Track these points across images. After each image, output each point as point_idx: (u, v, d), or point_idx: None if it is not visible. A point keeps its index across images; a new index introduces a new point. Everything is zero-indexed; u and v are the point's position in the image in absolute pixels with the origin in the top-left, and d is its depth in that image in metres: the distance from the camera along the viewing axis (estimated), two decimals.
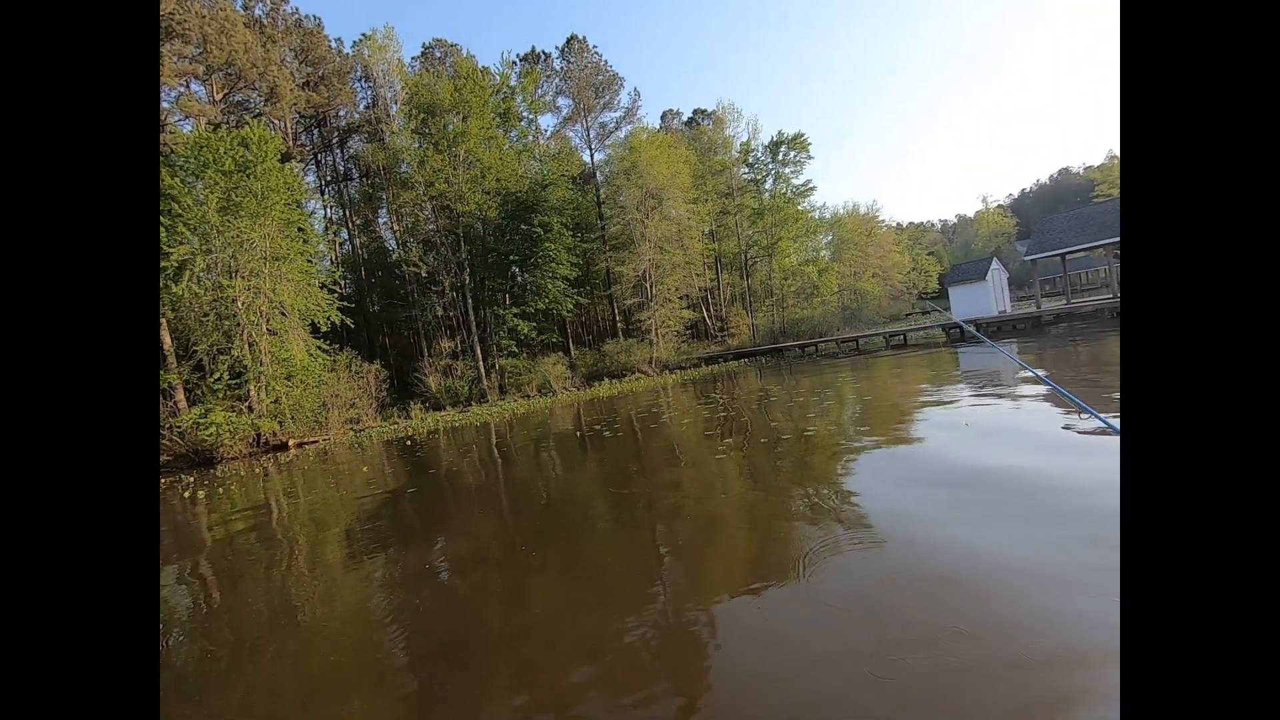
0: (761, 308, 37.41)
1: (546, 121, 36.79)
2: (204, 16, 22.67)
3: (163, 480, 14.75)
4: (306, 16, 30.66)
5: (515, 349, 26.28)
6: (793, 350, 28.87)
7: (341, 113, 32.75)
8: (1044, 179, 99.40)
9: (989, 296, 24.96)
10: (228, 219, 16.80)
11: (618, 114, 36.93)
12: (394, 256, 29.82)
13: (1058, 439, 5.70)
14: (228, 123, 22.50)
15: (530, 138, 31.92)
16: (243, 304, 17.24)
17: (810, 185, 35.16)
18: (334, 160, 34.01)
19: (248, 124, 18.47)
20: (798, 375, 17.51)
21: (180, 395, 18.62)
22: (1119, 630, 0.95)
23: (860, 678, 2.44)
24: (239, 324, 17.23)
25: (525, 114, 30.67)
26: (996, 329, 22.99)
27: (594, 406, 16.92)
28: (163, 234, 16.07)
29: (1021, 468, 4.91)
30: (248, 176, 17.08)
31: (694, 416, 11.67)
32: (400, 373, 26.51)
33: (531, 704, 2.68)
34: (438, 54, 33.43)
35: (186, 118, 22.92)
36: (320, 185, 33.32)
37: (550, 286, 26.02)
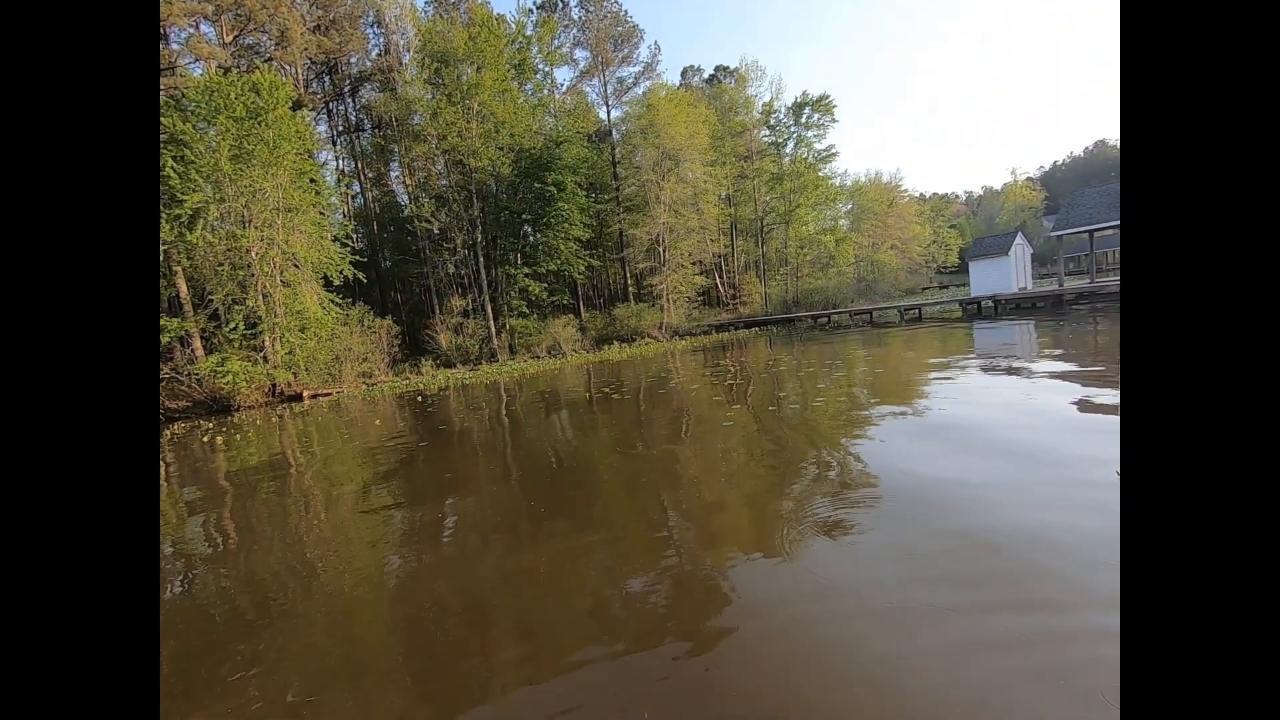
0: (775, 276, 36.90)
1: (563, 75, 35.67)
2: None
3: (182, 426, 15.18)
4: None
5: (526, 309, 26.27)
6: (805, 321, 28.59)
7: (353, 59, 31.90)
8: (1077, 151, 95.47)
9: (1010, 272, 24.37)
10: (240, 167, 16.65)
11: (636, 69, 35.65)
12: (406, 211, 29.57)
13: (1061, 416, 5.65)
14: (238, 67, 22.01)
15: (546, 91, 30.99)
16: (256, 254, 17.28)
17: (832, 150, 34.03)
18: (346, 110, 33.33)
19: (258, 68, 18.05)
20: (808, 346, 17.39)
21: (197, 343, 18.94)
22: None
23: (860, 610, 2.51)
24: (253, 274, 17.32)
25: (541, 66, 29.68)
26: (1015, 306, 22.54)
27: (603, 370, 17.00)
28: (175, 180, 16.00)
29: (1024, 439, 4.90)
30: (259, 124, 16.82)
31: (703, 383, 11.70)
32: (412, 329, 26.70)
33: (533, 651, 2.79)
34: None
35: (196, 60, 22.43)
36: (332, 136, 32.79)
37: (562, 247, 25.76)
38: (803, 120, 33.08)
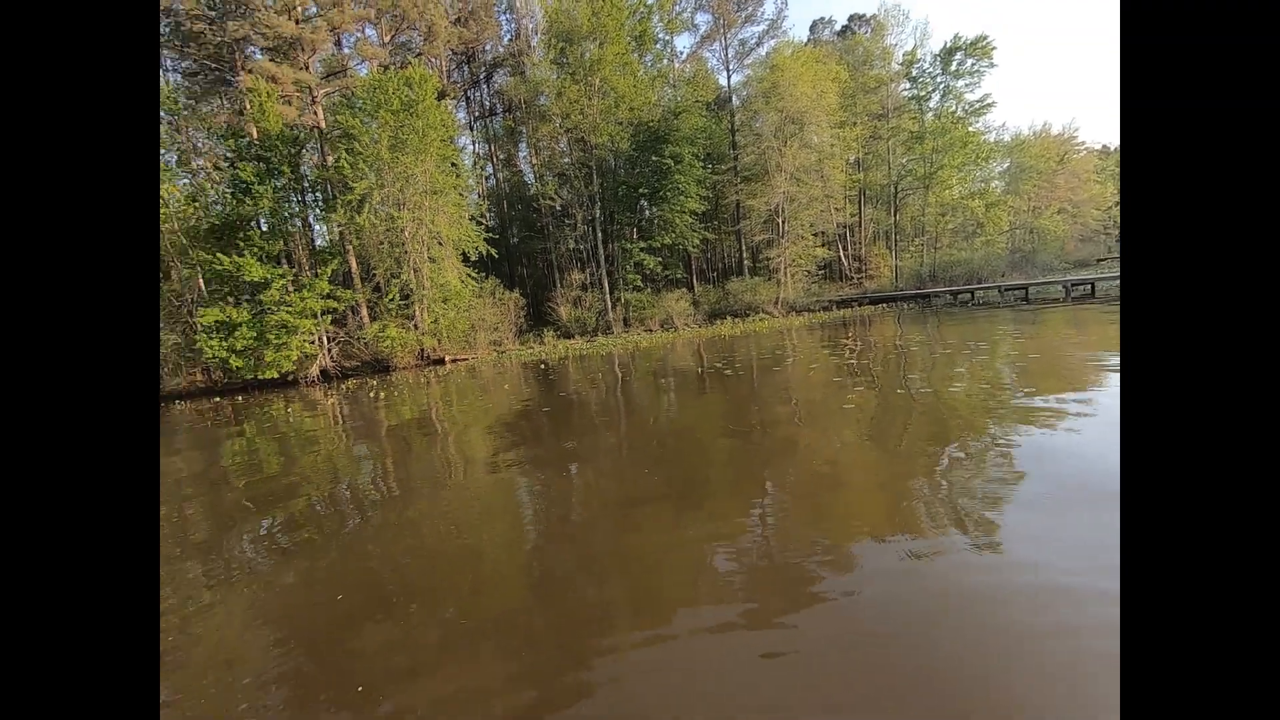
0: (910, 247, 33.59)
1: (682, 44, 34.91)
2: None
3: (354, 382, 17.89)
4: None
5: (640, 283, 26.79)
6: (943, 297, 25.81)
7: (488, 47, 34.01)
8: None
9: None
10: (396, 155, 18.76)
11: (759, 28, 33.72)
12: (532, 190, 31.33)
13: None
14: (394, 64, 24.55)
15: (665, 61, 30.63)
16: (409, 233, 19.51)
17: (987, 101, 29.65)
18: (481, 96, 35.83)
19: (410, 63, 20.01)
20: (946, 325, 15.71)
21: (364, 312, 22.03)
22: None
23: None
24: (406, 251, 19.62)
25: (661, 35, 29.33)
26: None
27: (715, 345, 16.89)
28: (347, 169, 18.48)
29: None
30: (411, 115, 18.73)
31: (821, 363, 11.15)
32: (535, 301, 28.57)
33: (638, 619, 2.96)
34: None
35: (363, 61, 25.37)
36: (469, 121, 35.53)
37: (677, 221, 25.72)
38: (952, 68, 29.13)
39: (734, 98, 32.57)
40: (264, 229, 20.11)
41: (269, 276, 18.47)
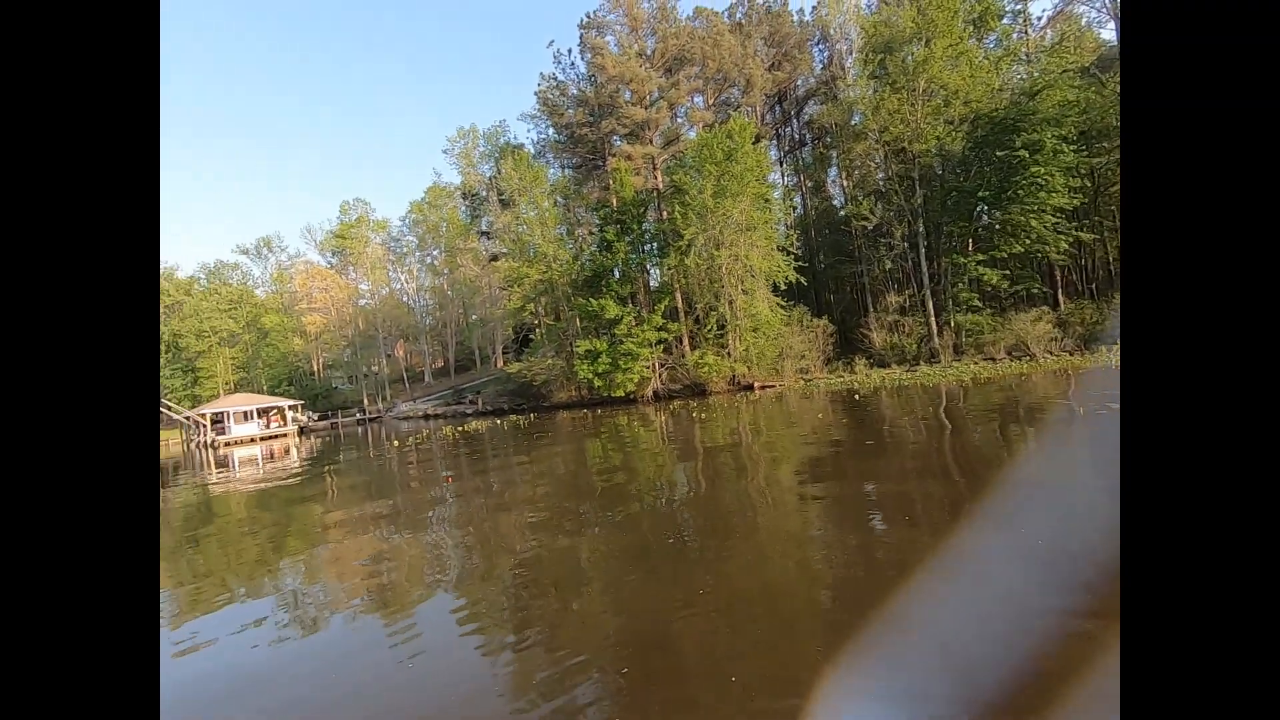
0: None
1: (1039, 7, 28.35)
2: (703, 38, 28.35)
3: (677, 402, 20.53)
4: (773, 1, 33.80)
5: (977, 303, 22.53)
6: None
7: (799, 82, 34.99)
8: None
9: None
10: (718, 200, 21.01)
11: None
12: (842, 213, 30.30)
13: None
14: (717, 120, 27.73)
15: (1016, 35, 25.51)
16: (725, 269, 21.45)
17: None
18: (791, 131, 36.98)
19: (732, 117, 22.28)
20: None
21: (686, 342, 25.13)
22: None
23: None
24: (722, 286, 21.60)
25: (1009, 5, 24.63)
26: None
27: (1095, 379, 12.78)
28: (679, 219, 21.66)
29: None
30: (731, 162, 20.74)
31: None
32: (844, 328, 27.26)
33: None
34: None
35: (692, 126, 29.48)
36: (780, 157, 37.04)
37: (1033, 223, 20.67)
38: None
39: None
40: (617, 276, 25.31)
41: (620, 314, 23.08)
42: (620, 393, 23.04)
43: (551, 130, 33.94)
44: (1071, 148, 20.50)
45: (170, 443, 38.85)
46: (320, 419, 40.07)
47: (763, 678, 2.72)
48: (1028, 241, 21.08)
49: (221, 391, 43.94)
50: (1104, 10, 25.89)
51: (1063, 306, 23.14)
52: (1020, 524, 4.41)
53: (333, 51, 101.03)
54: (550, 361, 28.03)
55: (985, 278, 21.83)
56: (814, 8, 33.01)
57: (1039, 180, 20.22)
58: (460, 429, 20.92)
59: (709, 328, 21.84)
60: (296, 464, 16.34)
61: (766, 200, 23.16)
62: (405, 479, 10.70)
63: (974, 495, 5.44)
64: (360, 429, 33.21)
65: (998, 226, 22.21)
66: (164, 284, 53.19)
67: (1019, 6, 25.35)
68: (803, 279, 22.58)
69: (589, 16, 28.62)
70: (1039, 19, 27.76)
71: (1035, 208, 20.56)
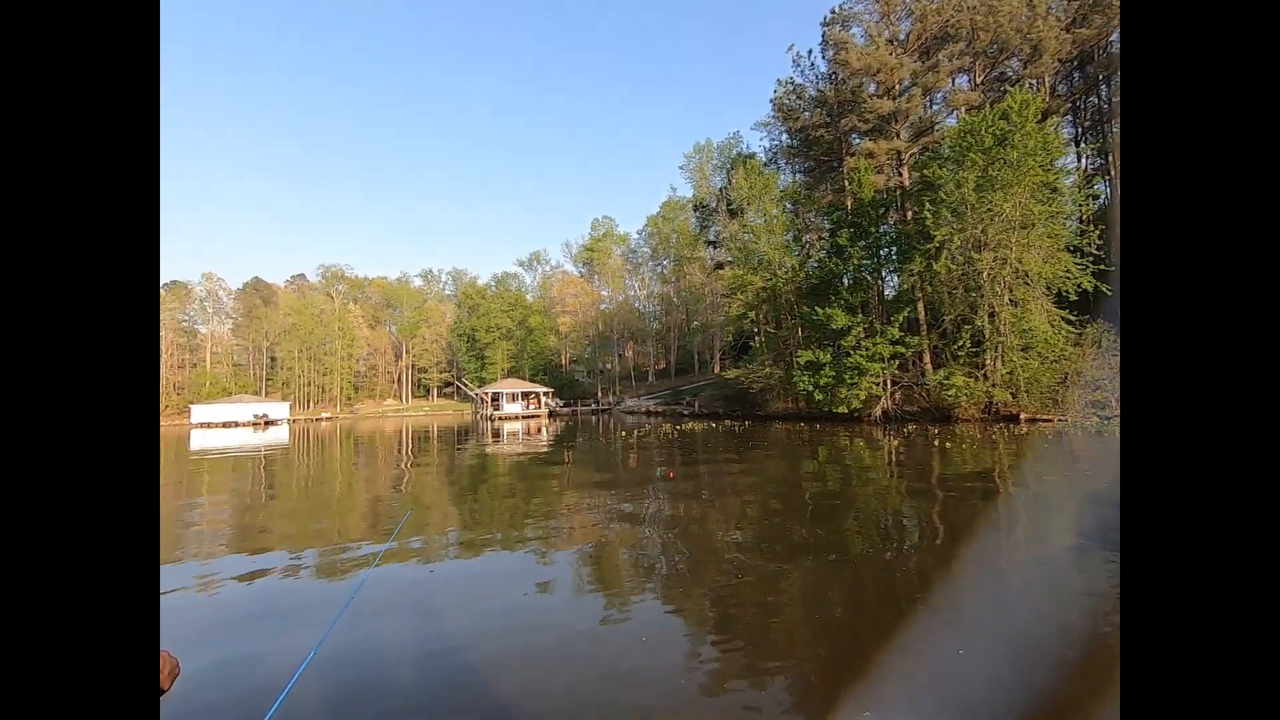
0: None
1: None
2: (973, 8, 24.28)
3: (912, 426, 17.97)
4: None
5: None
6: None
7: (1113, 38, 27.29)
8: None
9: None
10: (982, 195, 17.74)
11: None
12: None
13: None
14: (986, 100, 23.46)
15: None
16: (987, 275, 17.98)
17: None
18: (1097, 100, 29.05)
19: (1009, 93, 18.50)
20: None
21: (927, 359, 21.88)
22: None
23: None
24: (982, 295, 18.15)
25: None
26: None
27: None
28: (929, 219, 18.94)
29: None
30: (1004, 148, 17.30)
31: None
32: None
33: None
34: None
35: (951, 112, 25.57)
36: (1077, 135, 29.50)
37: None
38: None
39: None
40: (847, 284, 23.40)
41: (849, 324, 21.29)
42: (843, 409, 21.26)
43: (785, 135, 33.33)
44: None
45: (465, 413, 51.23)
46: (564, 405, 47.58)
47: None
48: None
49: (499, 376, 55.78)
50: None
51: None
52: None
53: (608, 105, 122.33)
54: (768, 370, 27.49)
55: None
56: None
57: None
58: (678, 428, 22.00)
59: (960, 344, 18.55)
60: (545, 443, 19.35)
61: (1054, 190, 18.55)
62: (642, 474, 11.68)
63: None
64: (594, 418, 37.96)
65: None
66: (466, 289, 69.65)
67: None
68: (1105, 287, 17.45)
69: (834, 12, 27.20)
70: None
71: None
